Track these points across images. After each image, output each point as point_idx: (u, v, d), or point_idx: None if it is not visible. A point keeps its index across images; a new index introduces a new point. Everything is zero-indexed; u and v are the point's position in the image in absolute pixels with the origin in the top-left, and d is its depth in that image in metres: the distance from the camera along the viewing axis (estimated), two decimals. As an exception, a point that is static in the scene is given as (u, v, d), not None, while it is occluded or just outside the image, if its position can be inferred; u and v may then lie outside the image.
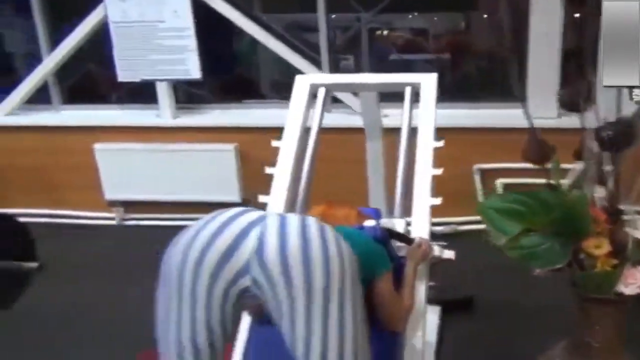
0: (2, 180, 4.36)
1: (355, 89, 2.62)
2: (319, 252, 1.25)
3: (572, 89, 2.18)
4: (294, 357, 1.29)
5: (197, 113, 4.29)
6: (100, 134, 4.16)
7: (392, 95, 2.68)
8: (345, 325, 1.27)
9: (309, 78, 2.51)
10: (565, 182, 2.11)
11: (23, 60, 4.74)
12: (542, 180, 3.59)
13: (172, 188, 4.10)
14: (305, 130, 2.39)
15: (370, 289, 1.53)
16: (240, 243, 1.25)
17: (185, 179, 4.07)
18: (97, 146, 4.11)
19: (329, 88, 2.51)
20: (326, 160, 2.55)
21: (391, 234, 1.79)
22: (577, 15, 3.46)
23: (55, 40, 4.24)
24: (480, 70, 4.58)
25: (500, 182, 3.82)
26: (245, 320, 1.86)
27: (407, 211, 2.06)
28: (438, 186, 2.11)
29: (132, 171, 4.10)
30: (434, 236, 2.16)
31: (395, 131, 2.59)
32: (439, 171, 2.17)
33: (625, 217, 2.00)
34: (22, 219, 4.04)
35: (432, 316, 2.40)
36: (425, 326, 1.83)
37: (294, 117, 2.42)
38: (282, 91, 4.71)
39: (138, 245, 3.99)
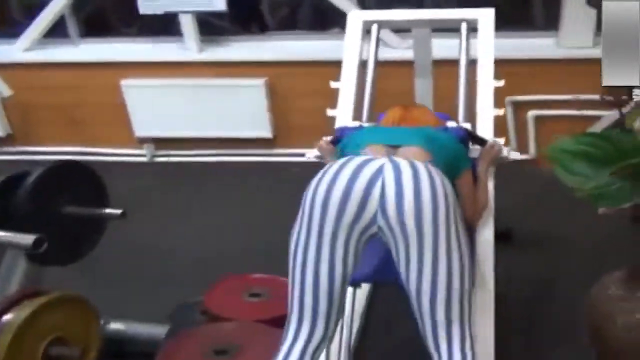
0: (27, 118, 4.32)
1: (409, 26, 2.57)
2: (429, 200, 1.41)
3: None
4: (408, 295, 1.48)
5: (223, 46, 4.18)
6: (125, 70, 4.07)
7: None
8: (452, 257, 1.43)
9: (361, 14, 2.51)
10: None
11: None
12: (574, 112, 3.66)
13: (201, 124, 4.07)
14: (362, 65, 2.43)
15: (454, 184, 1.67)
16: (369, 195, 1.43)
17: (214, 114, 4.03)
18: (124, 82, 4.04)
19: (382, 25, 2.48)
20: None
21: (469, 134, 2.02)
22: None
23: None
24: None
25: (532, 113, 3.83)
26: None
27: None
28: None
29: (160, 108, 4.05)
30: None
31: (441, 62, 2.61)
32: (500, 111, 2.22)
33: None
34: (46, 158, 4.14)
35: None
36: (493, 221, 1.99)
37: (349, 56, 2.43)
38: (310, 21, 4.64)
39: (172, 181, 4.04)
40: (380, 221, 1.44)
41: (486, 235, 1.98)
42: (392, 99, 3.03)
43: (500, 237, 3.02)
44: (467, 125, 2.13)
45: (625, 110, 2.08)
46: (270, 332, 1.91)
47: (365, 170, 1.45)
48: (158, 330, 2.26)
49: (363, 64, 2.42)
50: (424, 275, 1.43)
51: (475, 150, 2.04)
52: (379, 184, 1.43)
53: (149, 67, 4.06)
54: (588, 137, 2.00)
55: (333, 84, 2.36)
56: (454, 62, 2.37)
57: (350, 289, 1.95)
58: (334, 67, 3.69)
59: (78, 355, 1.92)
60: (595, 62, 3.51)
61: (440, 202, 1.42)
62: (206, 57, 4.04)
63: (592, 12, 3.50)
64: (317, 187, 1.48)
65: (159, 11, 3.93)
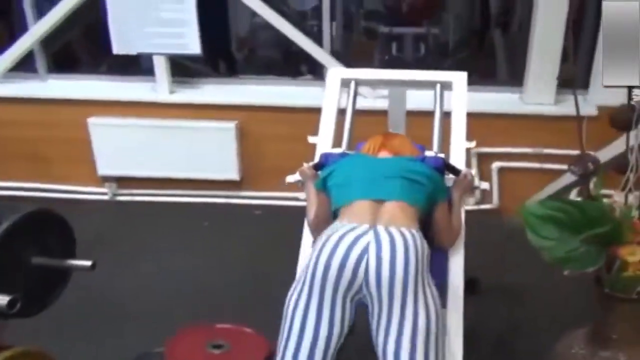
0: (-13, 152, 4.21)
1: (385, 85, 2.65)
2: (401, 270, 1.63)
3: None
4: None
5: (194, 87, 4.19)
6: (93, 107, 4.02)
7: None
8: (417, 318, 1.62)
9: (340, 72, 2.58)
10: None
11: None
12: (537, 165, 3.79)
13: (168, 165, 4.04)
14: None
15: (431, 213, 1.93)
16: (357, 270, 1.65)
17: (181, 155, 4.02)
18: (91, 120, 3.99)
19: (359, 82, 2.56)
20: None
21: (445, 164, 2.13)
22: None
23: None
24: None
25: (496, 165, 3.95)
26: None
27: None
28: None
29: (127, 147, 4.01)
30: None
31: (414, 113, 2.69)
32: (472, 144, 2.38)
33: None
34: (8, 193, 4.02)
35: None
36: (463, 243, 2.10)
37: (328, 111, 2.48)
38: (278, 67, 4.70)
39: (134, 221, 3.96)
40: (364, 289, 1.67)
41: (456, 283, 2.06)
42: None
43: (466, 287, 3.11)
44: (441, 155, 2.24)
45: (591, 180, 2.16)
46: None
47: (355, 248, 1.67)
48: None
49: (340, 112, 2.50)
50: (390, 334, 1.63)
51: (449, 179, 2.15)
52: (364, 263, 1.65)
53: (117, 105, 4.02)
54: (556, 202, 2.08)
55: (311, 139, 2.40)
56: (427, 113, 2.45)
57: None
58: (304, 113, 3.77)
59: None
60: (557, 119, 3.73)
61: (410, 271, 1.63)
62: (177, 98, 4.04)
63: (555, 70, 3.67)
64: (317, 259, 1.67)
65: (133, 51, 3.92)
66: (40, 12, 4.01)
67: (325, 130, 2.39)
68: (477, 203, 4.00)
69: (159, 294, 3.09)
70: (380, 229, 1.72)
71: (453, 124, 2.36)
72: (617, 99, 2.40)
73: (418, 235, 1.75)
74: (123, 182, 4.23)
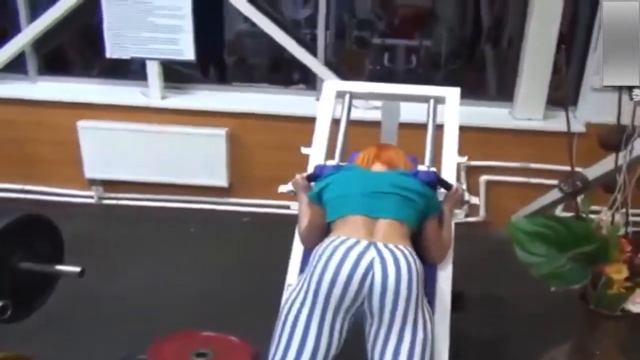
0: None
1: (380, 99, 2.67)
2: (405, 291, 1.69)
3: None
4: None
5: (186, 93, 4.19)
6: (83, 110, 4.00)
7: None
8: (416, 337, 1.70)
9: (336, 84, 2.59)
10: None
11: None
12: (523, 179, 3.83)
13: (156, 170, 4.02)
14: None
15: (423, 227, 1.96)
16: (364, 282, 1.69)
17: (170, 160, 4.00)
18: (80, 123, 3.96)
19: (354, 95, 2.58)
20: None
21: (438, 179, 2.15)
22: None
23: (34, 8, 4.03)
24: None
25: (484, 178, 3.99)
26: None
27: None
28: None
29: (115, 151, 3.99)
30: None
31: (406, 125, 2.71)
32: (463, 158, 2.41)
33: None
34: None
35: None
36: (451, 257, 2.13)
37: (322, 123, 2.50)
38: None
39: (119, 225, 3.93)
40: (365, 304, 1.71)
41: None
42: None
43: (452, 301, 3.13)
44: (434, 170, 2.27)
45: (580, 198, 2.19)
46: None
47: (361, 264, 1.70)
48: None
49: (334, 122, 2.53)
50: (386, 354, 1.69)
51: (440, 193, 2.17)
52: (369, 278, 1.69)
53: (108, 109, 4.00)
54: (543, 219, 2.10)
55: (304, 150, 2.41)
56: (418, 126, 2.48)
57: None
58: (295, 122, 3.79)
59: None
60: (545, 134, 3.77)
61: (412, 290, 1.69)
62: (169, 104, 4.03)
63: (545, 87, 3.72)
64: (322, 275, 1.70)
65: (127, 56, 3.92)
66: (34, 12, 4.00)
67: (319, 142, 2.40)
68: (465, 216, 4.02)
69: (143, 300, 3.06)
70: (381, 245, 1.75)
71: (445, 139, 2.39)
72: (605, 116, 2.44)
73: (415, 255, 1.79)
74: (110, 185, 4.20)
